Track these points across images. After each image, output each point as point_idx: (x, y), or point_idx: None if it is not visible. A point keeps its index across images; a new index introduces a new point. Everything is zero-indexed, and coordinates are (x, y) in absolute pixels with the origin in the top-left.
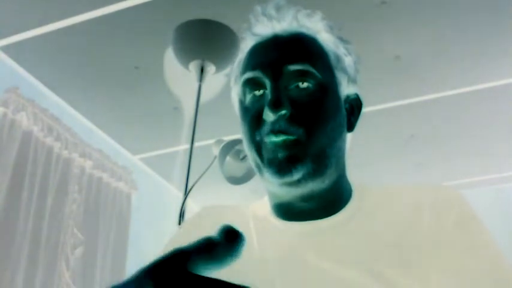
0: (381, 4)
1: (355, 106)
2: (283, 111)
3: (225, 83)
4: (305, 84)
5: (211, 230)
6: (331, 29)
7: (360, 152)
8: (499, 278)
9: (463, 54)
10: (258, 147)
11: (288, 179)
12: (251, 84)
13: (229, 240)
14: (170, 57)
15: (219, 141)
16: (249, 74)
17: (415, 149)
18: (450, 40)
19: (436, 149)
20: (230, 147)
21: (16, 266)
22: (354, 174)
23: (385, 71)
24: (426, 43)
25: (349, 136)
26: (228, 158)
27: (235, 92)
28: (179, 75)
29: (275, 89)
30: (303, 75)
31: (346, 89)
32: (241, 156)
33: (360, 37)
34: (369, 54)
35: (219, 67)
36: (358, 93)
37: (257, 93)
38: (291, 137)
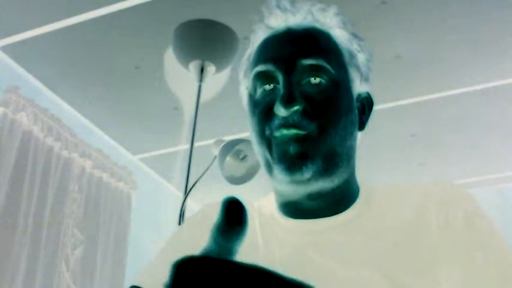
0: (381, 4)
1: (366, 105)
2: (296, 107)
3: (225, 83)
4: (317, 80)
5: None
6: (344, 24)
7: (359, 152)
8: (508, 276)
9: (463, 54)
10: (268, 142)
11: (298, 177)
12: (262, 77)
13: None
14: (170, 57)
15: (219, 141)
16: (261, 67)
17: (416, 149)
18: (450, 40)
19: (436, 149)
20: (230, 147)
21: (16, 266)
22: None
23: (385, 71)
24: (426, 43)
25: (359, 135)
26: (228, 158)
27: (245, 86)
28: (179, 75)
29: (288, 83)
30: (316, 70)
31: (358, 87)
32: (241, 156)
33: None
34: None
35: (219, 67)
36: (370, 92)
37: (268, 87)
38: (302, 132)
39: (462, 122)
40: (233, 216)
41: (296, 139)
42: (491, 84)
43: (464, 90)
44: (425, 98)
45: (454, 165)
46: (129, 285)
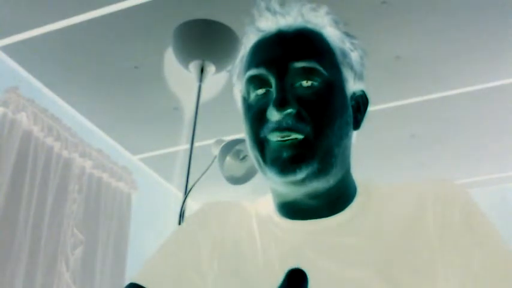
0: (381, 4)
1: (361, 103)
2: (289, 110)
3: (225, 83)
4: (310, 82)
5: (216, 228)
6: (336, 23)
7: (359, 152)
8: (507, 274)
9: (463, 54)
10: (261, 145)
11: (291, 178)
12: (255, 81)
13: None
14: (170, 57)
15: (219, 141)
16: (253, 71)
17: (415, 149)
18: (450, 40)
19: (436, 149)
20: (230, 147)
21: (16, 266)
22: (354, 175)
23: (385, 71)
24: (426, 43)
25: (354, 134)
26: (228, 158)
27: (238, 89)
28: (179, 75)
29: (280, 87)
30: (309, 72)
31: (352, 86)
32: (241, 156)
33: (360, 37)
34: (369, 54)
35: (219, 67)
36: (365, 89)
37: (261, 90)
38: (299, 136)
39: (462, 122)
40: (295, 286)
41: (291, 145)
42: (491, 84)
43: (464, 90)
44: (425, 98)
45: (454, 165)
46: (129, 282)
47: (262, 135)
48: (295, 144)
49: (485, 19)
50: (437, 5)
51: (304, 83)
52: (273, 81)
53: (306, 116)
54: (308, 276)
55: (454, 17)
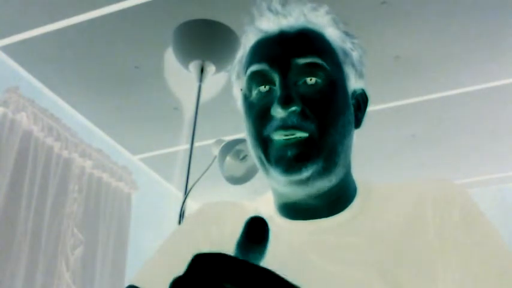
0: (381, 4)
1: (361, 101)
2: (294, 108)
3: (225, 83)
4: (313, 80)
5: (215, 227)
6: (336, 23)
7: (359, 152)
8: (506, 271)
9: (463, 54)
10: (264, 144)
11: (296, 177)
12: (257, 78)
13: (253, 237)
14: (170, 57)
15: (219, 141)
16: (255, 67)
17: (416, 149)
18: (450, 40)
19: (436, 149)
20: (230, 147)
21: (16, 266)
22: (354, 175)
23: (385, 71)
24: (426, 43)
25: (354, 132)
26: (228, 158)
27: (238, 87)
28: (179, 75)
29: (285, 84)
30: (312, 69)
31: (353, 84)
32: (241, 156)
33: (360, 37)
34: (369, 54)
35: (219, 67)
36: (365, 88)
37: (263, 88)
38: (304, 134)
39: (462, 122)
40: (255, 233)
41: (296, 144)
42: (491, 84)
43: (464, 90)
44: (425, 98)
45: (454, 165)
46: (128, 284)
47: (265, 133)
48: (300, 143)
49: (485, 19)
50: (437, 5)
51: (308, 80)
52: (276, 78)
53: (310, 114)
54: (268, 225)
55: (454, 17)
